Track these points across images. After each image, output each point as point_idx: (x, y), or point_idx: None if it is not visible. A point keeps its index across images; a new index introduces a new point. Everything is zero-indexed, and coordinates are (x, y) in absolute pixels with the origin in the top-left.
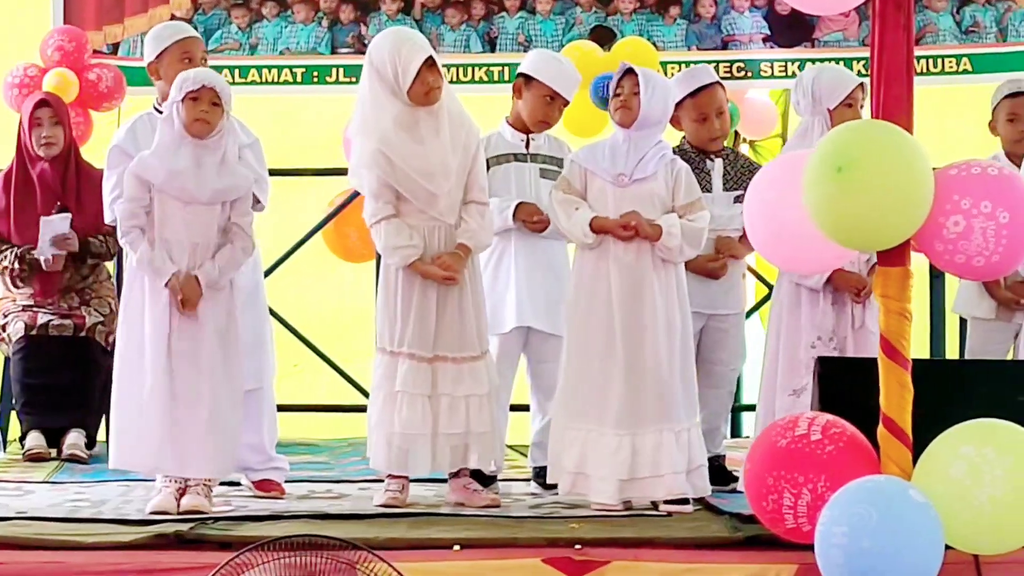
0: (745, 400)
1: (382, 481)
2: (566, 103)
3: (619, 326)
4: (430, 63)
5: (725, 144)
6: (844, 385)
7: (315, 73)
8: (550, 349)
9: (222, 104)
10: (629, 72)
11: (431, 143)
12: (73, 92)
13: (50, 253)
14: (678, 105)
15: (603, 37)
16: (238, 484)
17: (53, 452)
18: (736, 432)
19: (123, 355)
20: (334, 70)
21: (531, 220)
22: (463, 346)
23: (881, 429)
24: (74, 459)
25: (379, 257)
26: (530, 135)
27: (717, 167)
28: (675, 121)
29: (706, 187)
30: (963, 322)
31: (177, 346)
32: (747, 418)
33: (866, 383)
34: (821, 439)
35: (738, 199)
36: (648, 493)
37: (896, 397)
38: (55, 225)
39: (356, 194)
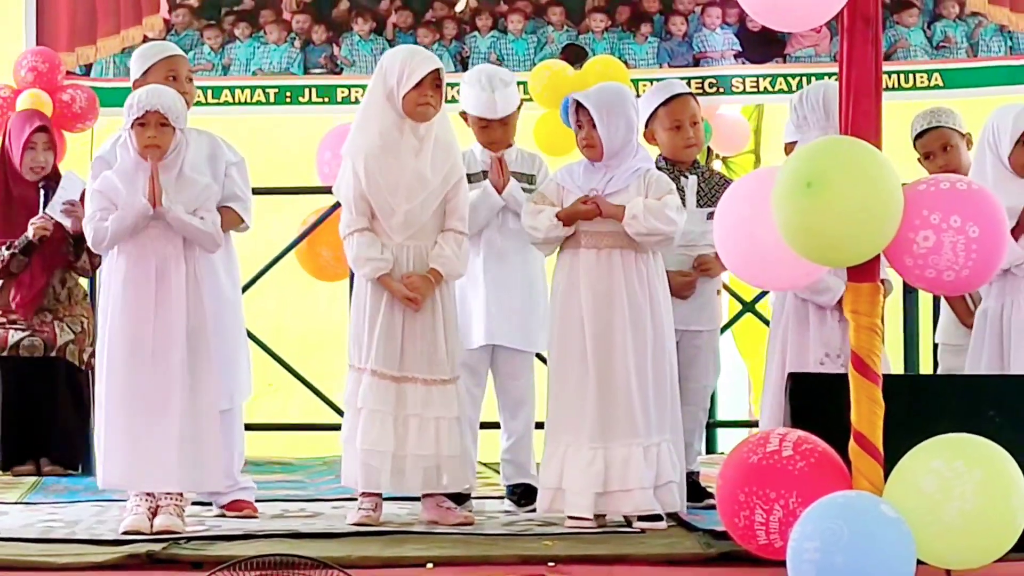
0: (720, 416)
1: (356, 500)
2: (505, 120)
3: (590, 340)
4: (436, 79)
5: (699, 160)
6: (815, 401)
7: (288, 93)
8: (518, 365)
9: (171, 123)
10: (580, 105)
11: (407, 160)
12: (47, 113)
13: (57, 214)
14: (651, 116)
15: (575, 55)
16: (210, 504)
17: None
18: (711, 448)
19: (104, 376)
20: (306, 90)
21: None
22: (433, 368)
23: (852, 445)
24: (55, 474)
25: (352, 276)
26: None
27: (691, 184)
28: (649, 136)
29: None
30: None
31: (146, 355)
32: (722, 434)
33: (837, 399)
34: (792, 455)
35: (711, 216)
36: (618, 507)
37: (867, 412)
38: (76, 184)
39: (329, 213)
